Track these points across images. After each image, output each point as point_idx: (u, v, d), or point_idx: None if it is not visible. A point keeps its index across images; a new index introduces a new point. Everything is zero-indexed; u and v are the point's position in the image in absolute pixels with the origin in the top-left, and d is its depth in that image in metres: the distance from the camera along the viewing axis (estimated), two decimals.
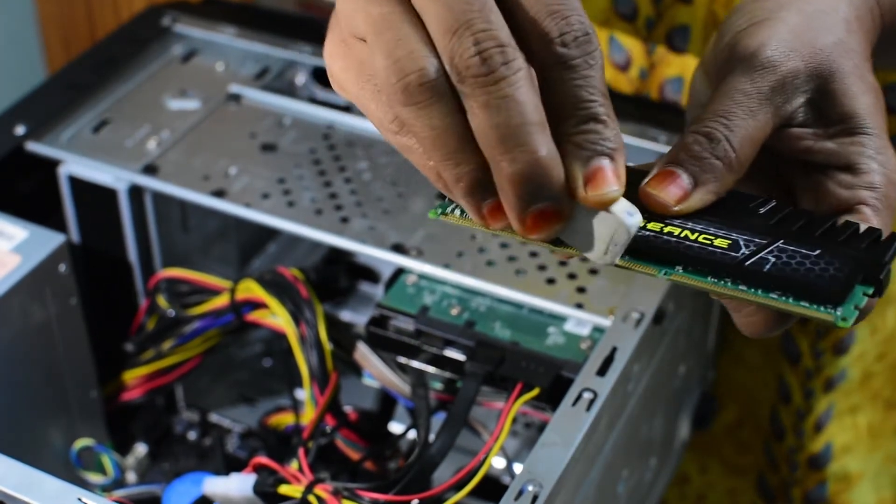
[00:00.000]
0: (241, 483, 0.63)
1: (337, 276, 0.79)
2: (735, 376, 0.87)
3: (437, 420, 0.66)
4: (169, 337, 0.74)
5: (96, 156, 0.77)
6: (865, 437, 0.85)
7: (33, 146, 0.77)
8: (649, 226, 0.47)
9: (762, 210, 0.48)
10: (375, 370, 0.69)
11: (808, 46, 0.50)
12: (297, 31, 0.88)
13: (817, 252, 0.45)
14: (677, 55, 0.79)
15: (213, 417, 0.82)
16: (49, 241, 0.70)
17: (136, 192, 0.76)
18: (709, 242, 0.47)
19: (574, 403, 0.60)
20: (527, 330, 0.68)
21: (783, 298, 0.45)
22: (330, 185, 0.77)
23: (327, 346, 0.68)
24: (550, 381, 0.64)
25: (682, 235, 0.47)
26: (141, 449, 0.78)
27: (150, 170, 0.76)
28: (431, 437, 0.64)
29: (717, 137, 0.48)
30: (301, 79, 0.87)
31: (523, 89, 0.42)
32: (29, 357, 0.71)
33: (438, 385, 0.69)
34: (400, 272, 0.72)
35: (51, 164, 0.77)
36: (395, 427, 0.76)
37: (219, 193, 0.75)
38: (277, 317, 0.70)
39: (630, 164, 0.51)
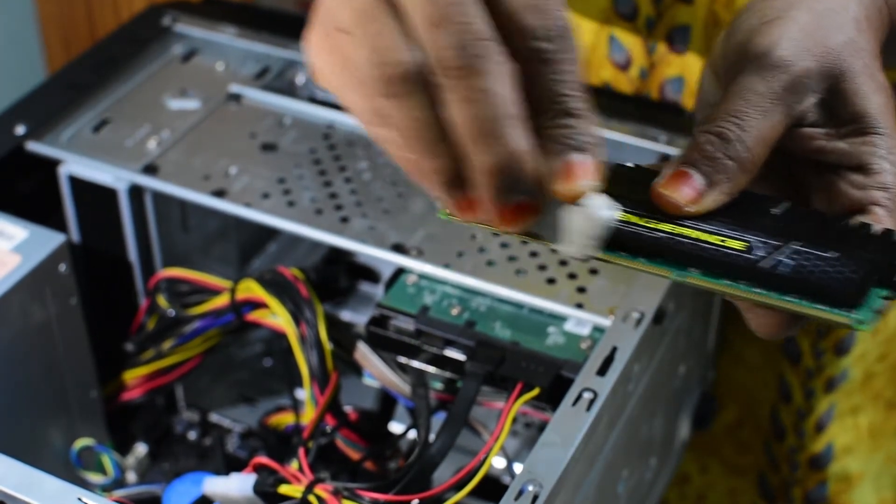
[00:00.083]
0: (241, 483, 0.63)
1: (337, 275, 0.79)
2: (735, 376, 0.87)
3: (438, 420, 0.66)
4: (169, 337, 0.74)
5: (96, 155, 0.77)
6: (866, 437, 0.85)
7: (33, 146, 0.77)
8: (662, 227, 0.47)
9: (775, 211, 0.47)
10: (376, 370, 0.68)
11: (820, 46, 0.50)
12: (298, 30, 0.87)
13: (832, 254, 0.45)
14: (677, 55, 0.79)
15: (214, 417, 0.82)
16: (49, 240, 0.70)
17: (136, 192, 0.76)
18: (723, 244, 0.46)
19: (574, 403, 0.60)
20: (527, 330, 0.68)
21: (799, 301, 0.45)
22: (330, 185, 0.77)
23: (327, 345, 0.68)
24: (550, 380, 0.64)
25: (696, 237, 0.47)
26: (141, 449, 0.78)
27: (151, 170, 0.76)
28: (431, 437, 0.64)
29: (729, 137, 0.48)
30: (301, 78, 0.87)
31: (501, 83, 0.42)
32: (29, 357, 0.71)
33: (438, 385, 0.69)
34: (400, 272, 0.72)
35: (51, 164, 0.77)
36: (396, 427, 0.76)
37: (219, 193, 0.75)
38: (277, 317, 0.70)
39: (642, 164, 0.51)
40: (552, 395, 0.63)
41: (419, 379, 0.68)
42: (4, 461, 0.58)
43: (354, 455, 0.70)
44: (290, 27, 0.88)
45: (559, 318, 0.68)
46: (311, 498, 0.60)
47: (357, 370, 0.70)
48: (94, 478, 0.75)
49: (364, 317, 0.77)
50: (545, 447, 0.58)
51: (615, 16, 0.80)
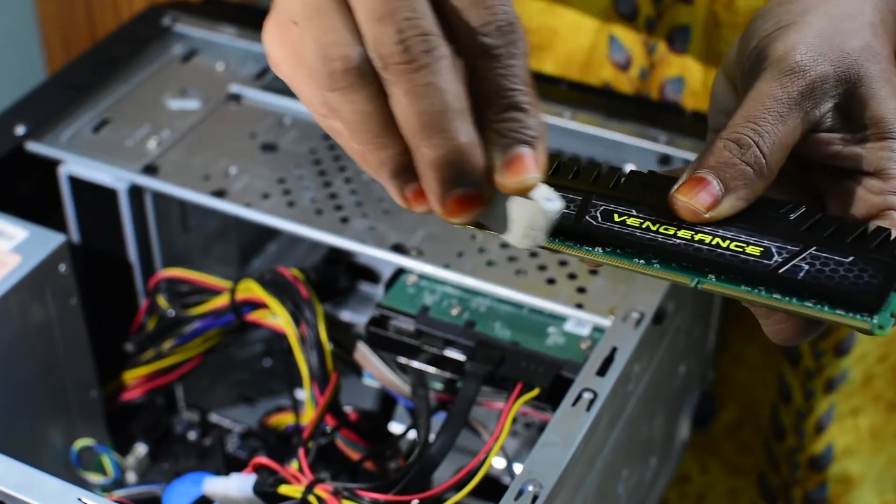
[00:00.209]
0: (241, 483, 0.63)
1: (337, 276, 0.79)
2: (735, 376, 0.87)
3: (438, 420, 0.66)
4: (169, 337, 0.74)
5: (96, 156, 0.77)
6: (867, 439, 0.85)
7: (33, 146, 0.77)
8: (680, 233, 0.47)
9: (792, 216, 0.47)
10: (375, 370, 0.68)
11: (837, 51, 0.49)
12: None
13: (850, 259, 0.45)
14: (678, 55, 0.79)
15: (214, 417, 0.82)
16: (49, 241, 0.70)
17: (136, 192, 0.76)
18: (740, 250, 0.46)
19: (574, 403, 0.60)
20: (527, 330, 0.68)
21: (818, 307, 0.45)
22: (330, 185, 0.77)
23: (327, 346, 0.68)
24: (550, 381, 0.64)
25: (714, 243, 0.47)
26: (141, 449, 0.78)
27: (150, 170, 0.76)
28: (431, 437, 0.64)
29: (747, 143, 0.48)
30: None
31: (445, 77, 0.42)
32: (29, 357, 0.71)
33: (438, 385, 0.69)
34: (400, 272, 0.72)
35: (51, 164, 0.77)
36: (395, 427, 0.76)
37: (219, 193, 0.75)
38: (277, 317, 0.70)
39: (657, 171, 0.51)
40: (552, 396, 0.63)
41: (419, 379, 0.68)
42: (4, 461, 0.58)
43: (354, 455, 0.70)
44: None
45: (559, 319, 0.68)
46: (311, 498, 0.60)
47: (357, 370, 0.70)
48: (94, 478, 0.75)
49: (364, 317, 0.77)
50: (545, 447, 0.58)
51: (615, 16, 0.80)
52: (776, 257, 0.46)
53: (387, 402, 0.75)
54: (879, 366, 0.83)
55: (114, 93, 0.83)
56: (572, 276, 0.70)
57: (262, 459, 0.63)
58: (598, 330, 0.67)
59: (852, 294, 0.44)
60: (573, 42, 0.82)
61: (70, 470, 0.74)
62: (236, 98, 0.83)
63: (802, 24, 0.50)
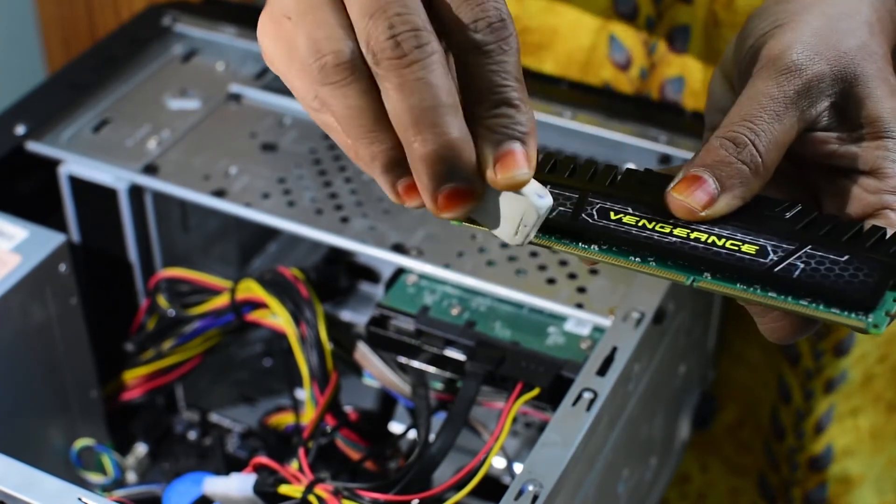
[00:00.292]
0: (241, 483, 0.63)
1: (337, 275, 0.79)
2: (735, 376, 0.87)
3: (438, 420, 0.66)
4: (169, 337, 0.74)
5: (96, 155, 0.77)
6: (867, 439, 0.85)
7: (33, 146, 0.77)
8: (676, 231, 0.47)
9: (788, 215, 0.48)
10: (376, 370, 0.68)
11: (833, 50, 0.50)
12: None
13: (846, 258, 0.45)
14: (678, 55, 0.79)
15: (214, 417, 0.82)
16: (49, 240, 0.70)
17: (136, 192, 0.76)
18: (736, 248, 0.46)
19: (574, 403, 0.60)
20: (527, 330, 0.68)
21: (814, 305, 0.45)
22: (330, 185, 0.77)
23: (327, 345, 0.68)
24: (550, 380, 0.64)
25: (710, 241, 0.47)
26: (141, 449, 0.78)
27: (151, 169, 0.76)
28: (432, 436, 0.64)
29: (743, 142, 0.48)
30: None
31: (436, 72, 0.43)
32: (29, 357, 0.71)
33: (439, 385, 0.69)
34: (400, 272, 0.72)
35: (51, 164, 0.77)
36: (396, 427, 0.76)
37: (219, 193, 0.75)
38: (278, 317, 0.70)
39: (654, 168, 0.51)
40: (552, 395, 0.63)
41: (419, 379, 0.68)
42: (4, 461, 0.58)
43: (354, 455, 0.70)
44: None
45: (559, 318, 0.68)
46: (311, 498, 0.60)
47: (357, 370, 0.70)
48: (94, 478, 0.75)
49: (364, 317, 0.77)
50: (545, 447, 0.58)
51: (615, 15, 0.80)
52: (772, 256, 0.46)
53: (387, 401, 0.75)
54: (879, 366, 0.83)
55: (114, 93, 0.83)
56: (572, 276, 0.70)
57: (263, 459, 0.63)
58: (598, 330, 0.67)
59: (847, 293, 0.44)
60: (573, 42, 0.82)
61: (70, 470, 0.74)
62: (236, 98, 0.83)
63: (799, 22, 0.50)
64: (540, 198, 0.45)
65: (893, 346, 0.82)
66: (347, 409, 0.70)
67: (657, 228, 0.48)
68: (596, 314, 0.68)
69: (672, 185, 0.48)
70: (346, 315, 0.79)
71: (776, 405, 0.86)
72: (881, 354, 0.82)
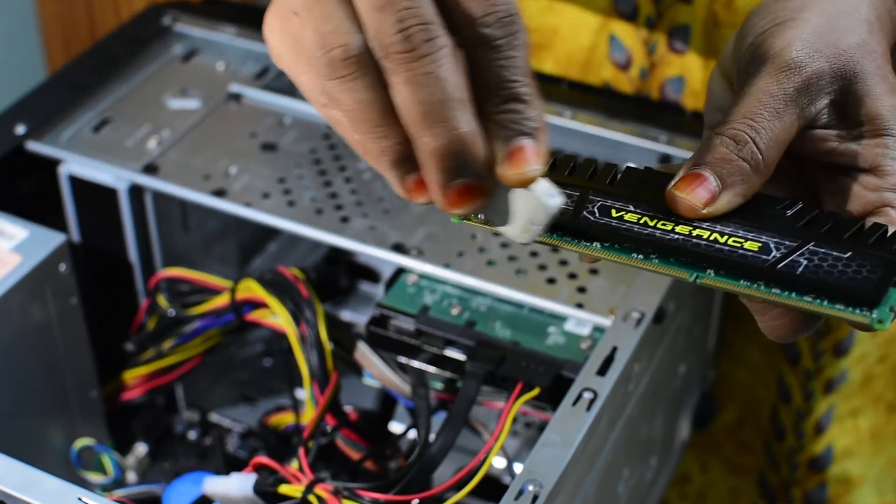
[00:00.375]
0: (241, 483, 0.63)
1: (337, 275, 0.79)
2: (735, 376, 0.87)
3: (438, 420, 0.66)
4: (169, 336, 0.74)
5: (97, 155, 0.77)
6: (867, 440, 0.85)
7: (33, 146, 0.77)
8: (678, 229, 0.47)
9: (789, 212, 0.48)
10: (376, 370, 0.68)
11: (832, 47, 0.50)
12: None
13: (848, 254, 0.45)
14: (678, 55, 0.79)
15: (214, 417, 0.82)
16: (49, 240, 0.70)
17: (136, 192, 0.76)
18: (739, 245, 0.46)
19: (574, 403, 0.60)
20: (527, 330, 0.68)
21: (818, 301, 0.45)
22: (330, 185, 0.77)
23: (327, 345, 0.68)
24: (550, 380, 0.64)
25: (712, 238, 0.47)
26: (141, 449, 0.78)
27: (151, 169, 0.76)
28: (432, 436, 0.64)
29: (744, 139, 0.48)
30: None
31: (445, 66, 0.42)
32: (29, 357, 0.71)
33: (439, 385, 0.69)
34: (400, 272, 0.72)
35: (51, 164, 0.77)
36: (396, 427, 0.76)
37: (219, 193, 0.75)
38: (278, 316, 0.70)
39: (654, 167, 0.51)
40: (552, 395, 0.63)
41: (419, 379, 0.68)
42: (4, 461, 0.58)
43: (354, 455, 0.70)
44: None
45: (559, 318, 0.68)
46: (312, 498, 0.60)
47: (357, 370, 0.70)
48: (95, 478, 0.75)
49: (364, 317, 0.77)
50: (545, 447, 0.58)
51: (616, 15, 0.79)
52: (774, 252, 0.46)
53: (387, 401, 0.75)
54: (879, 366, 0.83)
55: (114, 92, 0.83)
56: (572, 276, 0.70)
57: (263, 459, 0.63)
58: (598, 329, 0.67)
59: (851, 289, 0.44)
60: (573, 41, 0.82)
61: (70, 469, 0.74)
62: (236, 98, 0.83)
63: (799, 20, 0.50)
64: (550, 197, 0.45)
65: (893, 346, 0.82)
66: (347, 409, 0.70)
67: (659, 226, 0.48)
68: (596, 314, 0.68)
69: (673, 182, 0.48)
70: (346, 315, 0.79)
71: (776, 405, 0.86)
72: (881, 355, 0.82)
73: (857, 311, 0.44)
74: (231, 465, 0.74)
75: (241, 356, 0.85)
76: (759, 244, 0.46)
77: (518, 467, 0.60)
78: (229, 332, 0.74)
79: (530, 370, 0.65)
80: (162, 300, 0.75)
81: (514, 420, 0.65)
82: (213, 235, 0.83)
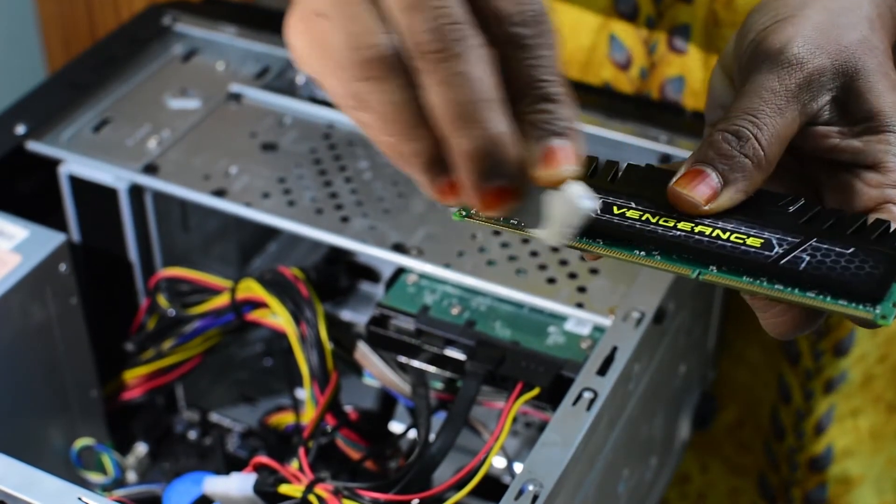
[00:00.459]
0: (241, 482, 0.63)
1: (337, 275, 0.79)
2: (735, 376, 0.87)
3: (438, 420, 0.66)
4: (169, 336, 0.74)
5: (97, 155, 0.77)
6: (867, 440, 0.85)
7: (34, 146, 0.77)
8: (680, 225, 0.47)
9: (791, 209, 0.48)
10: (376, 370, 0.68)
11: (834, 44, 0.50)
12: None
13: (851, 250, 0.45)
14: (678, 55, 0.79)
15: (214, 417, 0.82)
16: (49, 240, 0.70)
17: (136, 192, 0.76)
18: (741, 242, 0.46)
19: (574, 403, 0.60)
20: (527, 329, 0.68)
21: (821, 297, 0.45)
22: (330, 185, 0.77)
23: (328, 345, 0.68)
24: (551, 380, 0.64)
25: (714, 235, 0.47)
26: (141, 448, 0.78)
27: (151, 169, 0.76)
28: (432, 436, 0.64)
29: (745, 135, 0.48)
30: (301, 78, 0.87)
31: (478, 66, 0.42)
32: (29, 357, 0.71)
33: (439, 384, 0.69)
34: (400, 272, 0.72)
35: (51, 164, 0.77)
36: (396, 427, 0.76)
37: (219, 193, 0.75)
38: (278, 316, 0.70)
39: (656, 164, 0.51)
40: (552, 395, 0.63)
41: (419, 379, 0.68)
42: (4, 461, 0.58)
43: (354, 455, 0.70)
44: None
45: (559, 318, 0.68)
46: (312, 497, 0.60)
47: (357, 370, 0.70)
48: (95, 477, 0.75)
49: (364, 316, 0.77)
50: (545, 447, 0.58)
51: (616, 15, 0.80)
52: (777, 249, 0.46)
53: (387, 401, 0.75)
54: (879, 366, 0.83)
55: (114, 92, 0.83)
56: (572, 276, 0.70)
57: (263, 459, 0.63)
58: (598, 329, 0.67)
59: (854, 284, 0.44)
60: (573, 41, 0.82)
61: (70, 469, 0.74)
62: (236, 98, 0.83)
63: (800, 17, 0.50)
64: (584, 198, 0.44)
65: (893, 346, 0.82)
66: (347, 408, 0.70)
67: (661, 223, 0.48)
68: (596, 314, 0.68)
69: (675, 179, 0.48)
70: (346, 315, 0.79)
71: (776, 405, 0.86)
72: (881, 354, 0.82)
73: (861, 306, 0.44)
74: (231, 465, 0.74)
75: (241, 356, 0.85)
76: (762, 240, 0.46)
77: (518, 467, 0.60)
78: (229, 332, 0.74)
79: (530, 370, 0.65)
80: (162, 300, 0.75)
81: (514, 420, 0.65)
82: (213, 235, 0.83)
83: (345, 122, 0.81)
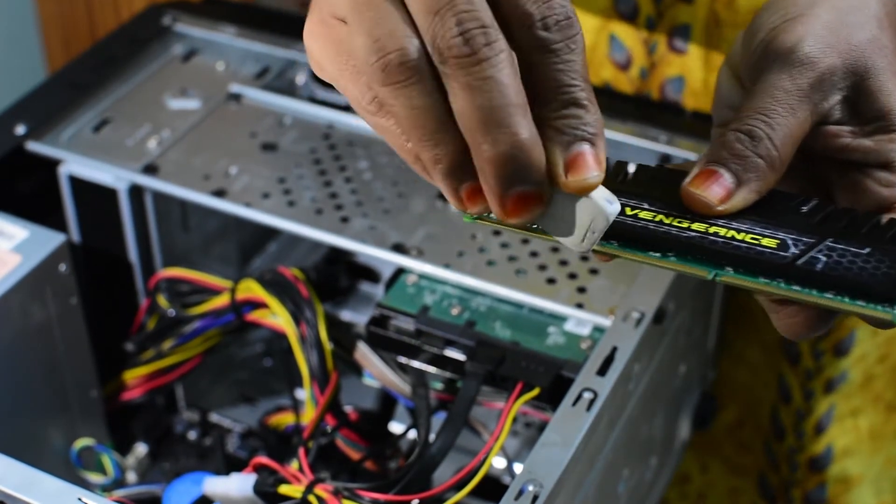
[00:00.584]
0: (241, 483, 0.63)
1: (337, 275, 0.79)
2: (735, 376, 0.87)
3: (438, 420, 0.66)
4: (169, 336, 0.74)
5: (96, 155, 0.77)
6: (866, 439, 0.85)
7: (33, 146, 0.77)
8: (694, 226, 0.47)
9: (804, 209, 0.47)
10: (376, 370, 0.68)
11: (844, 43, 0.49)
12: (298, 30, 0.86)
13: (867, 250, 0.45)
14: (678, 55, 0.79)
15: (214, 417, 0.82)
16: (49, 240, 0.70)
17: (136, 192, 0.76)
18: (756, 242, 0.46)
19: (574, 403, 0.60)
20: (527, 330, 0.68)
21: (839, 298, 0.45)
22: (330, 185, 0.77)
23: (327, 345, 0.68)
24: (550, 380, 0.64)
25: (729, 235, 0.47)
26: (141, 449, 0.78)
27: (151, 169, 0.76)
28: (432, 436, 0.64)
29: (759, 136, 0.48)
30: (301, 78, 0.87)
31: (505, 71, 0.41)
32: (29, 357, 0.71)
33: (439, 385, 0.69)
34: (400, 272, 0.72)
35: (51, 164, 0.77)
36: (396, 427, 0.76)
37: (219, 193, 0.75)
38: (278, 316, 0.70)
39: (668, 165, 0.50)
40: (552, 395, 0.63)
41: (419, 379, 0.68)
42: (4, 461, 0.58)
43: (354, 455, 0.70)
44: (290, 27, 0.88)
45: (559, 318, 0.68)
46: (312, 498, 0.60)
47: (357, 370, 0.70)
48: (95, 478, 0.75)
49: (364, 317, 0.77)
50: (545, 447, 0.58)
51: (616, 15, 0.79)
52: (792, 249, 0.46)
53: (387, 401, 0.75)
54: (879, 366, 0.83)
55: (114, 92, 0.83)
56: (572, 276, 0.70)
57: (263, 459, 0.63)
58: (598, 330, 0.67)
59: (872, 285, 0.44)
60: None
61: (70, 470, 0.74)
62: (236, 98, 0.83)
63: (810, 16, 0.50)
64: (610, 203, 0.44)
65: (893, 346, 0.82)
66: (347, 409, 0.70)
67: (675, 223, 0.47)
68: (596, 314, 0.68)
69: (688, 179, 0.48)
70: (346, 315, 0.79)
71: (776, 405, 0.86)
72: (881, 354, 0.82)
73: (879, 307, 0.44)
74: (231, 465, 0.74)
75: (241, 356, 0.85)
76: (777, 241, 0.46)
77: (518, 467, 0.60)
78: (229, 332, 0.74)
79: (530, 370, 0.65)
80: (162, 300, 0.75)
81: (514, 420, 0.65)
82: (213, 235, 0.83)
83: (345, 122, 0.81)
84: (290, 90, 0.86)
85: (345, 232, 0.73)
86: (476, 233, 0.73)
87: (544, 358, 0.66)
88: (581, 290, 0.69)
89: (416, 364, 0.68)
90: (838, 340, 0.81)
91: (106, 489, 0.74)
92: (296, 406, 0.76)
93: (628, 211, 0.48)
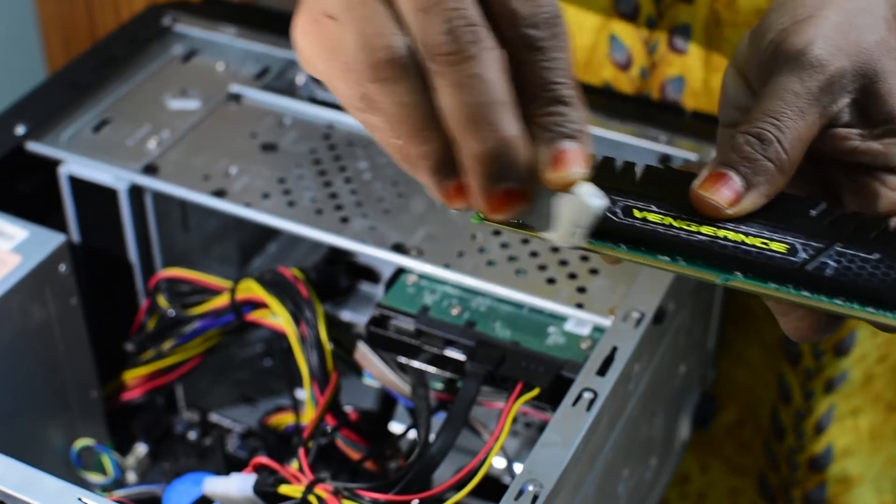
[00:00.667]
0: (241, 483, 0.63)
1: (337, 275, 0.79)
2: (735, 376, 0.87)
3: (438, 420, 0.66)
4: (169, 337, 0.74)
5: (96, 155, 0.77)
6: (866, 439, 0.85)
7: (33, 146, 0.77)
8: (703, 230, 0.47)
9: (813, 212, 0.47)
10: (376, 370, 0.68)
11: (853, 45, 0.49)
12: None
13: (876, 256, 0.45)
14: (678, 55, 0.79)
15: (214, 417, 0.82)
16: (49, 240, 0.70)
17: (136, 192, 0.76)
18: (765, 246, 0.46)
19: (574, 403, 0.60)
20: (527, 330, 0.68)
21: (848, 304, 0.44)
22: (330, 185, 0.77)
23: (327, 345, 0.68)
24: (550, 380, 0.64)
25: (738, 240, 0.46)
26: (141, 449, 0.78)
27: (151, 169, 0.76)
28: (432, 436, 0.64)
29: (769, 139, 0.48)
30: (301, 78, 0.87)
31: (492, 69, 0.42)
32: (29, 357, 0.71)
33: (439, 385, 0.69)
34: (400, 272, 0.72)
35: (51, 164, 0.77)
36: (396, 427, 0.76)
37: (219, 193, 0.75)
38: (278, 317, 0.70)
39: (675, 166, 0.50)
40: (552, 395, 0.63)
41: (419, 379, 0.68)
42: (4, 461, 0.58)
43: (354, 455, 0.70)
44: (290, 27, 0.88)
45: (559, 318, 0.68)
46: (311, 498, 0.60)
47: (357, 370, 0.70)
48: (95, 478, 0.75)
49: (364, 317, 0.77)
50: (545, 447, 0.58)
51: (616, 15, 0.80)
52: (802, 254, 0.46)
53: (387, 401, 0.75)
54: (879, 366, 0.83)
55: (114, 93, 0.83)
56: (572, 276, 0.70)
57: (263, 459, 0.63)
58: (598, 330, 0.67)
59: (882, 291, 0.44)
60: (574, 41, 0.82)
61: (70, 470, 0.74)
62: (236, 98, 0.83)
63: (819, 18, 0.50)
64: (594, 198, 0.44)
65: (893, 346, 0.82)
66: (347, 409, 0.70)
67: (683, 226, 0.47)
68: (596, 314, 0.68)
69: (697, 182, 0.48)
70: (346, 315, 0.79)
71: (776, 405, 0.86)
72: (881, 354, 0.82)
73: (889, 313, 0.44)
74: (231, 465, 0.74)
75: (241, 356, 0.85)
76: (786, 245, 0.46)
77: (518, 467, 0.60)
78: (229, 332, 0.74)
79: (530, 370, 0.65)
80: (162, 300, 0.75)
81: (514, 420, 0.65)
82: (213, 235, 0.83)
83: (345, 122, 0.81)
84: (290, 90, 0.86)
85: (345, 232, 0.73)
86: (476, 233, 0.73)
87: (544, 358, 0.66)
88: (581, 290, 0.69)
89: (416, 364, 0.68)
90: (838, 340, 0.81)
91: (106, 489, 0.74)
92: (296, 406, 0.76)
93: (637, 213, 0.48)
